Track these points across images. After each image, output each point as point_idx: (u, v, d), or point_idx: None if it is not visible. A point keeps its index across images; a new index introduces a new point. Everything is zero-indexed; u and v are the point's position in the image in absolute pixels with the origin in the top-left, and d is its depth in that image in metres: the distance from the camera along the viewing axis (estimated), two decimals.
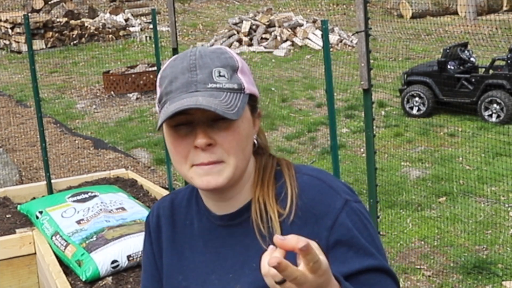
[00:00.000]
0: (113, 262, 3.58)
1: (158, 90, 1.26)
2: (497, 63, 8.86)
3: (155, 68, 9.75)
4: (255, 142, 1.31)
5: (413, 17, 17.99)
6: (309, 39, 14.96)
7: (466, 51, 9.31)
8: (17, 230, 4.33)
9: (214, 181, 1.21)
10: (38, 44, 15.16)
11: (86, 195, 4.48)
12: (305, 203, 1.25)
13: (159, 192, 4.91)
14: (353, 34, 12.06)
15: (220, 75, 1.21)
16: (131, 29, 17.75)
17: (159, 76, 1.27)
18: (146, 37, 16.73)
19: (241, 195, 1.29)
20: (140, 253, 3.65)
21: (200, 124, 1.20)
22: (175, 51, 5.00)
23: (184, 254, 1.36)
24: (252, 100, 1.27)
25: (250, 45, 15.10)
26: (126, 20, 18.35)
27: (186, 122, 1.21)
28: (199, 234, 1.35)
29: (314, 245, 0.98)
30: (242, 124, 1.23)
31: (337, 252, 1.21)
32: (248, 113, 1.25)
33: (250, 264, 1.26)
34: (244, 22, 15.55)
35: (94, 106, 10.86)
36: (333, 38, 14.64)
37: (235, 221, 1.30)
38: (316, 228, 1.23)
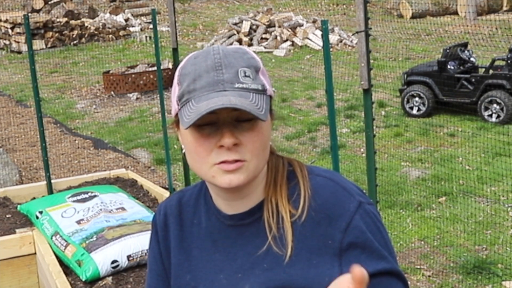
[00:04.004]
0: (113, 262, 3.59)
1: (178, 88, 1.24)
2: (497, 63, 8.86)
3: (155, 68, 9.74)
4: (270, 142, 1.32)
5: (413, 17, 18.00)
6: (309, 39, 14.96)
7: (466, 51, 9.31)
8: (17, 230, 4.34)
9: (236, 180, 1.21)
10: (38, 44, 15.16)
11: (86, 195, 4.49)
12: (318, 204, 1.25)
13: (159, 192, 4.91)
14: (353, 34, 12.06)
15: (245, 75, 1.21)
16: (131, 29, 17.75)
17: (178, 73, 1.25)
18: (146, 37, 16.74)
19: (253, 194, 1.29)
20: (140, 253, 3.65)
21: (226, 124, 1.20)
22: (175, 51, 5.00)
23: (192, 253, 1.36)
24: (270, 101, 1.27)
25: (250, 45, 15.10)
26: (126, 20, 18.35)
27: (210, 121, 1.20)
28: (207, 234, 1.34)
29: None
30: (265, 125, 1.23)
31: (350, 254, 1.21)
32: (268, 114, 1.25)
33: (260, 264, 1.26)
34: (244, 22, 15.55)
35: (94, 106, 10.86)
36: (333, 38, 14.64)
37: (245, 220, 1.30)
38: (330, 230, 1.23)
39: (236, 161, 1.20)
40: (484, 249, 5.14)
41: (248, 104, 1.17)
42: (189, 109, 1.19)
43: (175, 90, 1.25)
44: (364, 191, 1.33)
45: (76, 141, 8.94)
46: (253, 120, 1.19)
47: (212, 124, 1.20)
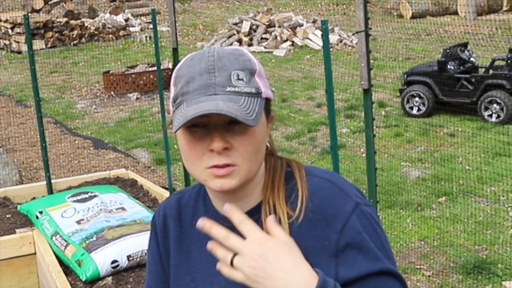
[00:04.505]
0: (113, 262, 3.59)
1: (173, 89, 1.24)
2: (497, 63, 8.86)
3: (155, 68, 9.74)
4: (267, 145, 1.31)
5: (413, 17, 18.00)
6: (309, 39, 14.96)
7: (466, 51, 9.31)
8: (17, 230, 4.34)
9: (228, 183, 1.21)
10: (38, 44, 15.16)
11: (86, 195, 4.49)
12: (315, 205, 1.25)
13: (159, 192, 4.91)
14: (353, 34, 12.05)
15: (238, 79, 1.20)
16: (131, 29, 17.75)
17: (174, 75, 1.25)
18: (146, 37, 16.74)
19: (251, 196, 1.29)
20: (140, 253, 3.65)
21: (216, 128, 1.19)
22: (175, 51, 5.00)
23: (191, 255, 1.36)
24: (267, 104, 1.26)
25: (250, 45, 15.10)
26: (126, 20, 18.35)
27: (202, 124, 1.20)
28: (206, 235, 1.34)
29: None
30: (258, 129, 1.22)
31: (346, 255, 1.21)
32: (263, 117, 1.24)
33: None
34: (244, 22, 15.55)
35: (94, 106, 10.86)
36: (333, 38, 14.64)
37: None
38: (326, 231, 1.23)
39: (227, 165, 1.20)
40: (484, 249, 5.14)
41: (237, 109, 1.16)
42: (180, 112, 1.19)
43: (171, 91, 1.26)
44: (364, 191, 1.33)
45: (76, 141, 8.94)
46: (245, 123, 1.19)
47: (204, 127, 1.20)
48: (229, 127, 1.20)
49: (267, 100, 1.26)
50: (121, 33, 17.04)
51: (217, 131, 1.19)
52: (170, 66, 10.92)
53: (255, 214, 1.28)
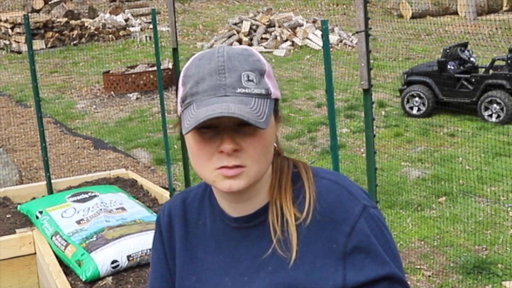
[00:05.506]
0: (113, 262, 3.59)
1: (181, 89, 1.23)
2: (497, 63, 8.86)
3: (155, 68, 9.74)
4: (274, 145, 1.30)
5: (413, 17, 18.00)
6: (309, 39, 14.96)
7: (466, 51, 9.31)
8: (17, 230, 4.34)
9: (237, 185, 1.20)
10: (38, 44, 15.16)
11: (86, 195, 4.49)
12: (323, 208, 1.24)
13: (159, 192, 4.91)
14: (353, 34, 12.06)
15: (248, 80, 1.19)
16: (131, 29, 17.75)
17: (182, 74, 1.24)
18: (146, 37, 16.73)
19: (258, 197, 1.28)
20: (140, 253, 3.65)
21: (226, 129, 1.19)
22: (175, 51, 5.00)
23: (197, 255, 1.35)
24: (275, 104, 1.25)
25: (250, 45, 15.09)
26: (126, 20, 18.35)
27: (211, 125, 1.19)
28: (212, 235, 1.34)
29: None
30: (267, 131, 1.21)
31: (354, 258, 1.21)
32: (272, 118, 1.23)
33: (265, 267, 1.26)
34: (244, 22, 15.55)
35: (94, 106, 10.86)
36: (333, 38, 14.64)
37: (251, 223, 1.29)
38: (334, 234, 1.22)
39: (236, 166, 1.19)
40: (484, 249, 5.14)
41: (248, 112, 1.15)
42: (190, 113, 1.18)
43: (180, 91, 1.24)
44: None
45: (76, 141, 8.94)
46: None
47: (214, 128, 1.19)
48: (238, 129, 1.19)
49: (276, 101, 1.25)
50: (121, 33, 17.03)
51: (227, 133, 1.19)
52: (170, 66, 10.92)
53: (262, 215, 1.28)
